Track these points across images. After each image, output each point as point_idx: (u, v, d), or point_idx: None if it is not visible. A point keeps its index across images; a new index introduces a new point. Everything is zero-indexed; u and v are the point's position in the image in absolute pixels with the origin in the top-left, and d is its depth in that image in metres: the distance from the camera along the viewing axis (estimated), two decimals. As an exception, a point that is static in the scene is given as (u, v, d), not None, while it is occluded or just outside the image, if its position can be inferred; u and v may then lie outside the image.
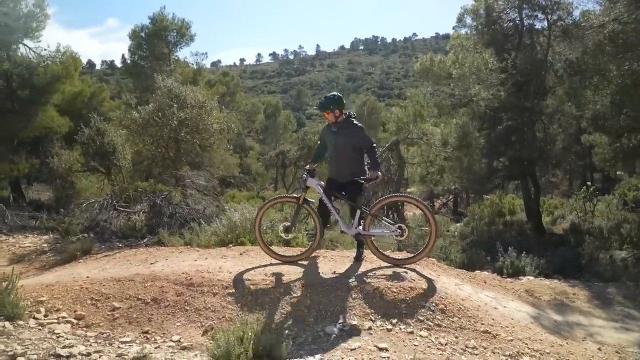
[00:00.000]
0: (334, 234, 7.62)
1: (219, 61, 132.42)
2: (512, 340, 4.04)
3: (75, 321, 4.20)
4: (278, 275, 4.76)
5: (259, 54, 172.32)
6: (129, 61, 23.82)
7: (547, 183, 19.51)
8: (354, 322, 4.03)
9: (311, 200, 5.35)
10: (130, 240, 8.55)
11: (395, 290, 4.42)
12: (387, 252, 5.42)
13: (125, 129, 11.69)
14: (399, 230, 5.03)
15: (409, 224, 5.43)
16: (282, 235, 5.50)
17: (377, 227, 5.23)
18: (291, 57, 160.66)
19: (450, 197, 22.37)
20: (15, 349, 3.35)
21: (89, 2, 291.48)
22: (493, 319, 4.34)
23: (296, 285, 4.52)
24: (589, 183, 15.07)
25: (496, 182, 13.48)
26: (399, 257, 5.37)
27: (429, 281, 4.72)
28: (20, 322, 4.02)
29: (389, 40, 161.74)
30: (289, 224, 5.49)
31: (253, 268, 5.05)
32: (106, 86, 28.22)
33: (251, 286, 4.54)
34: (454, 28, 14.11)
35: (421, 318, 4.10)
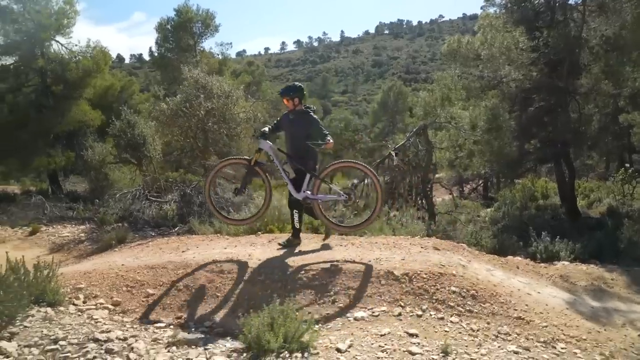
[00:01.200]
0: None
1: (244, 51, 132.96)
2: (546, 326, 3.94)
3: (112, 307, 4.35)
4: (306, 262, 4.78)
5: (283, 42, 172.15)
6: (156, 54, 24.22)
7: (582, 165, 18.81)
8: (384, 308, 4.01)
9: (263, 162, 5.39)
10: (162, 229, 8.77)
11: (424, 276, 4.37)
12: (334, 220, 5.51)
13: (154, 120, 11.93)
14: (345, 196, 5.14)
15: (357, 194, 5.48)
16: (232, 197, 5.41)
17: (326, 193, 5.29)
18: (315, 44, 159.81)
19: (480, 182, 21.90)
20: (57, 333, 3.50)
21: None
22: (526, 305, 4.25)
23: (325, 271, 4.53)
24: (627, 164, 14.46)
25: (528, 166, 13.08)
26: (347, 225, 5.51)
27: (460, 267, 4.65)
28: (61, 308, 4.19)
29: (414, 23, 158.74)
30: (239, 186, 5.48)
31: (282, 255, 5.09)
32: (135, 79, 28.77)
33: (280, 273, 4.58)
34: (481, 7, 13.65)
35: (452, 304, 4.05)
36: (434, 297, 4.13)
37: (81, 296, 4.58)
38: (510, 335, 3.74)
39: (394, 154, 10.48)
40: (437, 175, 15.43)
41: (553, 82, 11.04)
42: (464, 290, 4.22)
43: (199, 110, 10.48)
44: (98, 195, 13.01)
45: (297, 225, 5.51)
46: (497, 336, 3.71)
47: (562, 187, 12.16)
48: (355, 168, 5.30)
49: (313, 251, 5.24)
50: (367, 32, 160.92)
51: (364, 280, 4.40)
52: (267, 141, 5.30)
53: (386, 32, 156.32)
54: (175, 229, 8.54)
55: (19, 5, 16.21)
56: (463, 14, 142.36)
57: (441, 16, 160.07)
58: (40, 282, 4.21)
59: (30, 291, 4.07)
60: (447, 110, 11.88)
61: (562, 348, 3.66)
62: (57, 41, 16.96)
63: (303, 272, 4.54)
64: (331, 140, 5.13)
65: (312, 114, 5.38)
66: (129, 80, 24.05)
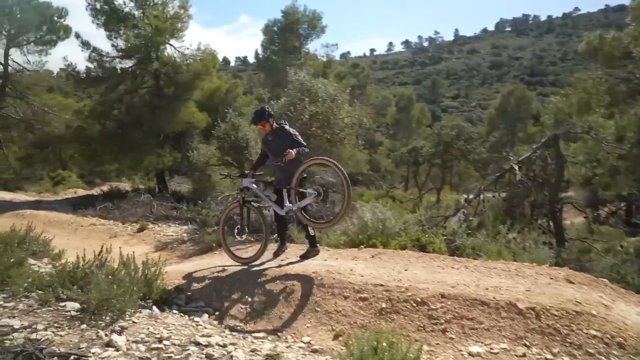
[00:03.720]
0: (477, 240, 7.18)
1: (348, 52, 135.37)
2: None
3: (212, 311, 4.60)
4: (413, 283, 4.62)
5: (390, 43, 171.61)
6: (261, 56, 25.65)
7: None
8: (504, 345, 3.72)
9: (251, 199, 6.08)
10: (261, 234, 9.11)
11: (556, 312, 3.97)
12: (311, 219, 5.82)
13: (258, 123, 12.55)
14: (315, 193, 5.45)
15: (327, 188, 5.61)
16: (237, 237, 6.03)
17: (303, 199, 5.58)
18: (426, 44, 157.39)
19: (622, 205, 19.63)
20: (162, 332, 3.78)
21: (223, 1, 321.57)
22: (695, 363, 3.65)
23: (435, 295, 4.34)
24: None
25: (691, 188, 11.43)
26: (321, 222, 5.88)
27: (601, 306, 4.15)
28: (165, 308, 4.53)
29: (542, 18, 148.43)
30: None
31: (387, 272, 5.00)
32: (239, 82, 30.69)
33: (385, 292, 4.48)
34: (632, -4, 12.28)
35: (591, 351, 3.62)
36: (568, 340, 3.73)
37: (183, 297, 4.93)
38: (671, 398, 3.24)
39: (516, 168, 9.82)
40: (567, 194, 14.14)
41: None
42: (608, 335, 3.75)
43: (303, 114, 10.81)
44: (200, 196, 14.01)
45: (311, 232, 5.91)
46: (652, 397, 3.23)
47: None
48: (321, 165, 5.67)
49: (421, 272, 5.06)
50: (485, 30, 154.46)
51: (481, 310, 4.13)
52: (247, 178, 5.99)
53: (508, 29, 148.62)
54: (274, 236, 8.82)
55: (139, 11, 18.28)
56: (605, 5, 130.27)
57: (577, 9, 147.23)
58: (147, 280, 4.61)
59: (138, 287, 4.46)
60: (584, 119, 10.81)
61: None
62: (171, 45, 18.78)
63: (410, 294, 4.40)
64: (292, 152, 5.44)
65: (285, 127, 5.86)
66: (233, 83, 25.71)
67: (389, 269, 5.20)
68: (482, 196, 10.00)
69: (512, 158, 10.64)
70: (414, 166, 27.87)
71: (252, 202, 6.04)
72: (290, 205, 5.59)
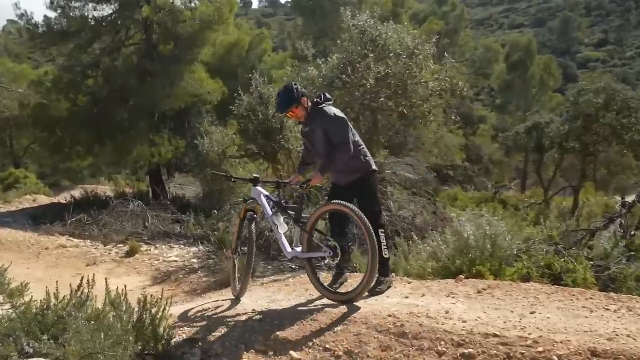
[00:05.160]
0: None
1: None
2: None
3: (241, 373, 4.71)
4: (546, 333, 4.57)
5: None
6: (299, -8, 25.88)
7: None
8: None
9: (255, 215, 6.46)
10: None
11: None
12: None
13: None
14: (330, 251, 5.75)
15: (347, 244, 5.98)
16: (232, 258, 6.74)
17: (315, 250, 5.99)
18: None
19: None
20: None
21: None
22: None
23: (581, 352, 4.25)
24: None
25: None
26: (343, 291, 5.99)
27: None
28: (173, 367, 4.68)
29: None
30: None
31: (503, 317, 4.98)
32: (267, 33, 31.00)
33: (501, 346, 4.45)
34: None
35: None
36: None
37: (198, 352, 5.06)
38: None
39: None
40: None
41: None
42: None
43: (367, 77, 10.76)
44: (215, 203, 14.21)
45: (385, 254, 5.96)
46: None
47: None
48: (342, 212, 5.74)
49: (556, 316, 4.99)
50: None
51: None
52: (257, 188, 6.39)
53: None
54: (325, 262, 8.91)
55: None
56: None
57: None
58: (147, 326, 4.76)
59: (135, 337, 4.62)
60: None
61: None
62: (168, -20, 19.14)
63: (541, 350, 4.33)
64: (317, 179, 6.07)
65: (324, 108, 5.98)
66: (258, 35, 25.98)
67: (506, 311, 5.17)
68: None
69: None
70: (535, 154, 27.31)
71: (256, 220, 6.48)
72: (297, 251, 6.02)
